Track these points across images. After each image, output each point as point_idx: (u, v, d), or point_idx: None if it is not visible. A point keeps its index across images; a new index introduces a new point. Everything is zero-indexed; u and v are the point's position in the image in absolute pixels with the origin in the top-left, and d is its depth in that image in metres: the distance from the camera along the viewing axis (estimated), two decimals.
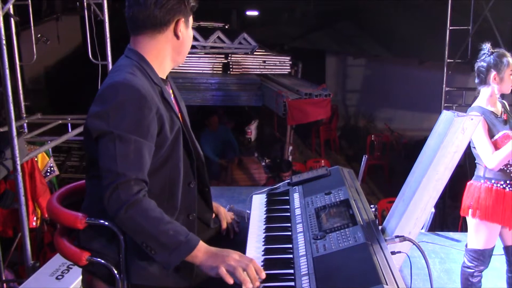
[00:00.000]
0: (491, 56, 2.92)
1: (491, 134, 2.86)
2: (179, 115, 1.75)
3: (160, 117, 1.61)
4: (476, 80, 3.01)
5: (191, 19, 1.76)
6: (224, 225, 1.96)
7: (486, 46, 2.97)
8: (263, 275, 1.51)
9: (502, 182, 2.89)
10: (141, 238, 1.53)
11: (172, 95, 1.81)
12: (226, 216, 1.98)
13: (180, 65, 1.82)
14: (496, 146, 2.84)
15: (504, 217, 2.89)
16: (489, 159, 2.83)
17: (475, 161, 3.02)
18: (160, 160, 1.65)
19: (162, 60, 1.73)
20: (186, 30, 1.73)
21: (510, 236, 3.00)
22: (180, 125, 1.71)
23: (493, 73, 2.90)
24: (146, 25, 1.68)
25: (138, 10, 1.66)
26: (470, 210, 2.95)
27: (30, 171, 4.03)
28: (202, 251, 1.54)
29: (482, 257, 2.96)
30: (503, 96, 3.05)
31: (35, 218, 4.08)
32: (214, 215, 1.96)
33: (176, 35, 1.70)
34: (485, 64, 2.93)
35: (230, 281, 1.48)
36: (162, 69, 1.74)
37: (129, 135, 1.53)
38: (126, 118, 1.55)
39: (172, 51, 1.74)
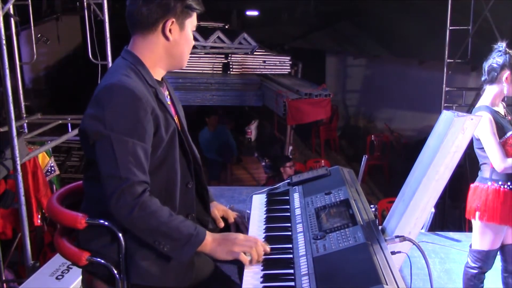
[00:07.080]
0: (507, 55, 2.87)
1: (499, 135, 2.82)
2: (175, 117, 1.75)
3: (155, 118, 1.61)
4: (484, 78, 2.94)
5: (189, 22, 1.70)
6: (231, 220, 1.98)
7: (502, 45, 2.91)
8: (268, 249, 1.63)
9: (509, 183, 2.85)
10: (153, 237, 1.56)
11: (168, 97, 1.80)
12: (228, 213, 1.99)
13: None
14: (505, 146, 2.81)
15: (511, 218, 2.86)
16: (500, 162, 2.78)
17: (480, 163, 2.97)
18: (157, 162, 1.65)
19: (155, 61, 1.70)
20: (180, 32, 1.68)
21: (510, 235, 2.99)
22: (175, 126, 1.70)
23: (507, 72, 2.86)
24: (137, 24, 1.67)
25: (131, 8, 1.66)
26: (477, 213, 2.90)
27: (33, 169, 4.04)
28: (210, 239, 1.61)
29: (486, 258, 2.95)
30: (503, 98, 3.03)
31: (39, 216, 4.08)
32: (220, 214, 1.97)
33: (165, 36, 1.67)
34: (500, 62, 2.86)
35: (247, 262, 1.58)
36: (157, 71, 1.72)
37: (127, 137, 1.53)
38: (122, 120, 1.55)
39: (165, 54, 1.70)
